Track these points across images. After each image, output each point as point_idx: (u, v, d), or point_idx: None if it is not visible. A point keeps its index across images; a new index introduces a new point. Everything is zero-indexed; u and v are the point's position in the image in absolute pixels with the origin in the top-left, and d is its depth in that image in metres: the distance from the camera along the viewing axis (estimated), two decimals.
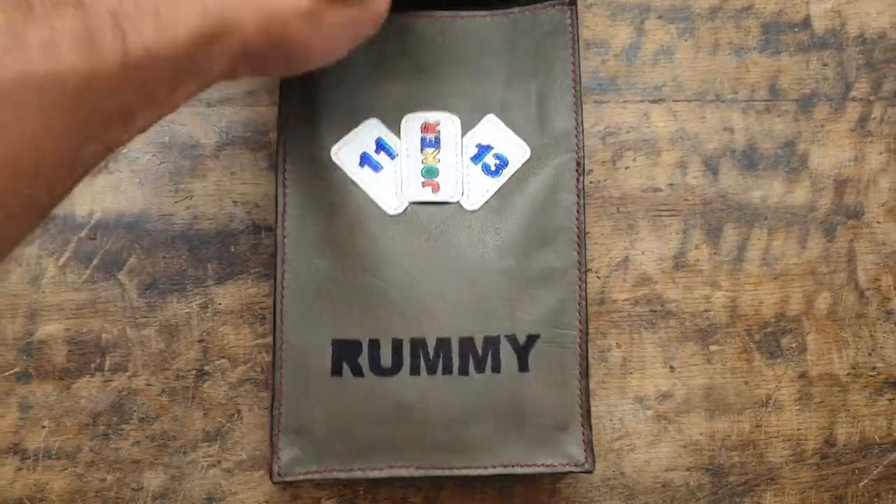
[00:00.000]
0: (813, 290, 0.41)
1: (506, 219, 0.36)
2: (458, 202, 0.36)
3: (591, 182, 0.40)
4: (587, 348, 0.35)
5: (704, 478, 0.39)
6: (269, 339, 0.38)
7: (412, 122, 0.36)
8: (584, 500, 0.39)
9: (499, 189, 0.36)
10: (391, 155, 0.36)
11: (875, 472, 0.39)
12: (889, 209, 0.41)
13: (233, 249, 0.39)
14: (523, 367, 0.35)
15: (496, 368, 0.35)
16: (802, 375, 0.40)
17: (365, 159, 0.36)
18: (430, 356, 0.35)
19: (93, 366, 0.38)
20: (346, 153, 0.36)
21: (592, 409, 0.37)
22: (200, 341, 0.38)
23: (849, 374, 0.40)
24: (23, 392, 0.38)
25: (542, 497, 0.38)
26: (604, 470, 0.39)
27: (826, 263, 0.41)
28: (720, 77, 0.42)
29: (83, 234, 0.39)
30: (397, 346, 0.35)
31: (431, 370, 0.34)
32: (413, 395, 0.34)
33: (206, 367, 0.38)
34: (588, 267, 0.40)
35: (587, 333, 0.36)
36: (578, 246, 0.36)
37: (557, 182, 0.36)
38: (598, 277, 0.40)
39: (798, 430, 0.40)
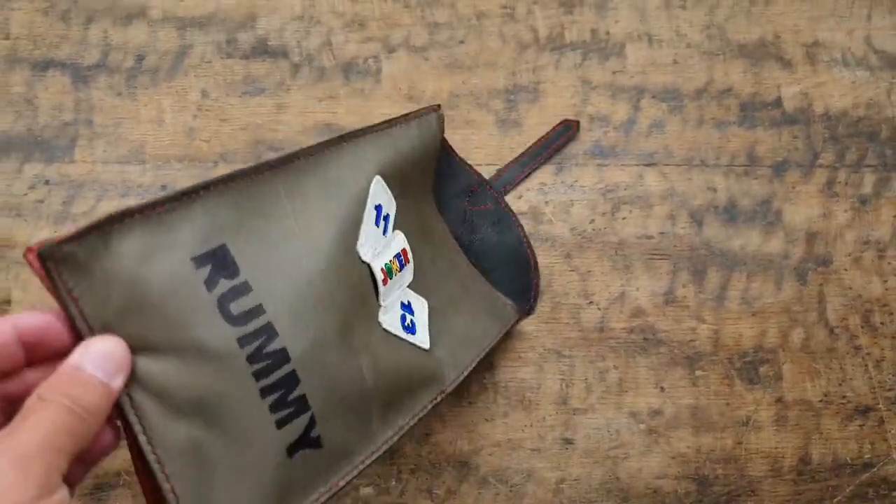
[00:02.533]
0: (788, 326, 0.47)
1: (388, 350, 0.36)
2: (382, 307, 0.37)
3: (594, 229, 0.48)
4: None
5: (691, 486, 0.44)
6: None
7: (399, 236, 0.39)
8: (584, 500, 0.44)
9: (403, 338, 0.37)
10: (384, 228, 0.38)
11: (848, 490, 0.44)
12: (855, 259, 0.48)
13: None
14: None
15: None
16: (779, 400, 0.46)
17: (378, 210, 0.37)
18: None
19: None
20: (375, 191, 0.36)
21: (591, 421, 0.44)
22: None
23: (821, 401, 0.46)
24: None
25: (548, 496, 0.44)
26: (602, 474, 0.45)
27: (799, 303, 0.47)
28: (704, 146, 0.50)
29: None
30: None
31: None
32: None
33: None
34: (590, 300, 0.47)
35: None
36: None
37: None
38: (599, 309, 0.47)
39: (776, 448, 0.45)
